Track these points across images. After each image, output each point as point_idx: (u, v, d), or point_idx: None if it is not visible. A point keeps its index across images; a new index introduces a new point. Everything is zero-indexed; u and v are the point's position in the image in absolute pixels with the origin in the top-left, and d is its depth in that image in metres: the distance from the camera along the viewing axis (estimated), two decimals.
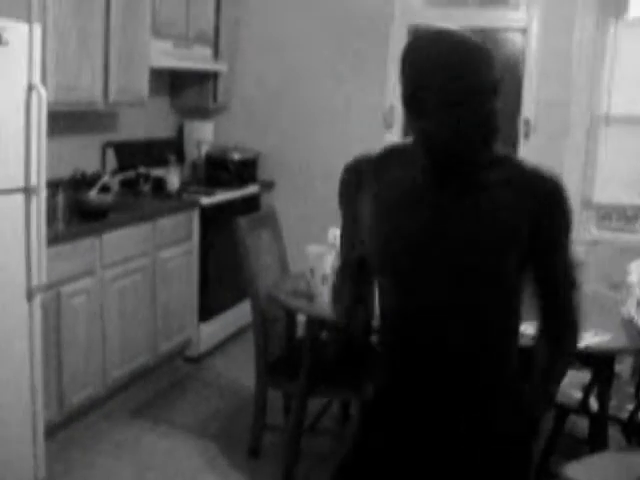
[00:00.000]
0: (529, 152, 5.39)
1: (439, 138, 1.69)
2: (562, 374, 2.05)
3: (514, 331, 1.93)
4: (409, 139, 1.83)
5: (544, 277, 1.88)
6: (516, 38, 5.56)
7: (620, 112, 5.38)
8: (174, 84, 5.80)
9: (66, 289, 3.87)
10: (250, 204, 5.55)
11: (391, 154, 1.89)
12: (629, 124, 5.40)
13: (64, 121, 4.49)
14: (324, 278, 3.37)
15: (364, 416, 2.07)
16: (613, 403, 3.51)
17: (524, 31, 5.47)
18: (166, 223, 4.70)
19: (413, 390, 1.91)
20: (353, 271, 2.04)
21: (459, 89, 1.63)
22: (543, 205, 1.76)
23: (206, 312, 5.17)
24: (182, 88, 5.80)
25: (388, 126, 5.66)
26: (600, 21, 5.31)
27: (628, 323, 3.39)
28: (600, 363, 3.35)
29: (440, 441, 1.91)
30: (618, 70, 5.36)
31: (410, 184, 1.81)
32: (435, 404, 1.89)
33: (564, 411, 3.64)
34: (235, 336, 5.52)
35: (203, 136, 5.85)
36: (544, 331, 1.95)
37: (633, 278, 3.52)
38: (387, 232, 1.83)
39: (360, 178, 1.90)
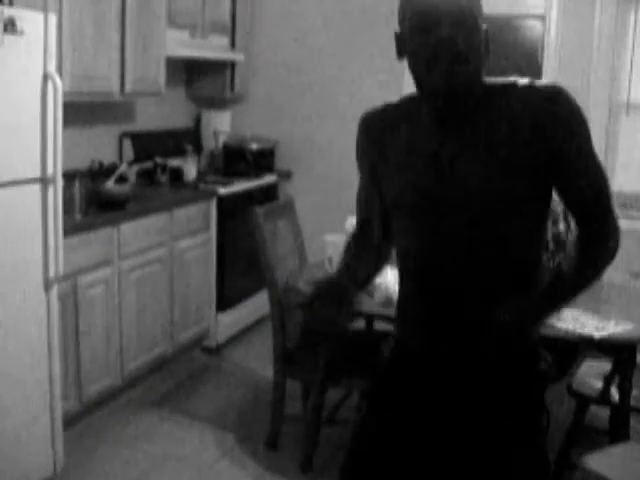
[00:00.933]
0: None
1: (418, 72, 1.77)
2: (588, 280, 1.92)
3: (537, 261, 1.92)
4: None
5: (572, 187, 1.83)
6: (536, 25, 5.50)
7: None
8: (191, 74, 5.79)
9: (83, 279, 3.87)
10: (268, 194, 5.54)
11: (400, 105, 1.95)
12: None
13: (81, 111, 4.48)
14: None
15: (381, 376, 2.09)
16: (634, 393, 3.47)
17: (543, 18, 5.41)
18: (183, 213, 4.69)
19: (432, 337, 1.94)
20: (370, 227, 2.09)
21: (423, 18, 1.71)
22: (543, 115, 1.74)
23: (224, 302, 5.16)
24: (199, 78, 5.79)
25: None
26: (620, 7, 5.25)
27: None
28: (621, 353, 3.31)
29: (454, 401, 1.94)
30: (638, 57, 5.30)
31: (417, 130, 1.86)
32: (454, 352, 1.92)
33: (585, 401, 3.61)
34: (253, 326, 5.51)
35: (220, 126, 5.84)
36: (581, 237, 1.90)
37: None
38: (403, 179, 1.88)
39: (373, 131, 1.97)
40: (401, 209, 1.91)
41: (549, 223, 4.32)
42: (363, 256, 2.12)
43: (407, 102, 1.93)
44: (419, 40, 1.72)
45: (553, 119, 1.74)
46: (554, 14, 5.35)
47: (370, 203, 2.07)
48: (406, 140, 1.88)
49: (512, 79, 1.82)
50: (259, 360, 4.87)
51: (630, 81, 5.33)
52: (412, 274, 1.96)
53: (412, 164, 1.86)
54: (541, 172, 1.78)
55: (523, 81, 1.80)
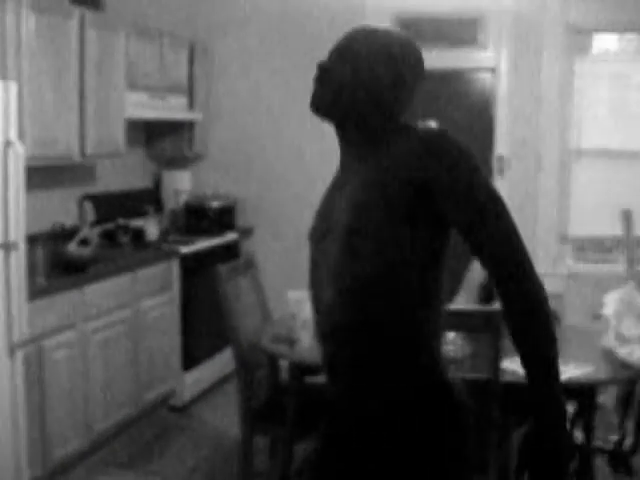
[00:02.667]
0: (504, 189, 5.46)
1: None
2: (544, 342, 1.72)
3: (425, 303, 1.79)
4: None
5: (464, 227, 1.73)
6: (487, 77, 5.65)
7: (591, 145, 5.48)
8: (150, 134, 5.84)
9: (48, 343, 3.86)
10: (230, 251, 5.57)
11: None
12: (600, 157, 5.50)
13: (41, 175, 4.50)
14: (305, 323, 3.38)
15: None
16: (598, 434, 3.52)
17: (493, 70, 5.57)
18: (146, 273, 4.71)
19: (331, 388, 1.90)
20: None
21: None
22: (425, 159, 1.70)
23: (189, 361, 5.15)
24: (158, 138, 5.84)
25: None
26: (566, 58, 5.42)
27: (608, 354, 3.42)
28: (582, 395, 3.37)
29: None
30: (586, 104, 5.47)
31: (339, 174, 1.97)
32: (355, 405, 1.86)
33: None
34: (219, 384, 5.50)
35: (181, 185, 5.88)
36: (502, 301, 1.74)
37: (609, 310, 3.55)
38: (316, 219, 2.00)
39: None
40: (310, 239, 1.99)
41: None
42: None
43: None
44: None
45: (437, 167, 1.70)
46: (504, 66, 5.52)
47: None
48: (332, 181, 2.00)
49: (407, 124, 1.83)
50: (226, 418, 4.85)
51: (579, 128, 5.49)
52: (315, 319, 1.96)
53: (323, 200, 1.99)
54: (426, 222, 1.74)
55: (415, 126, 1.79)
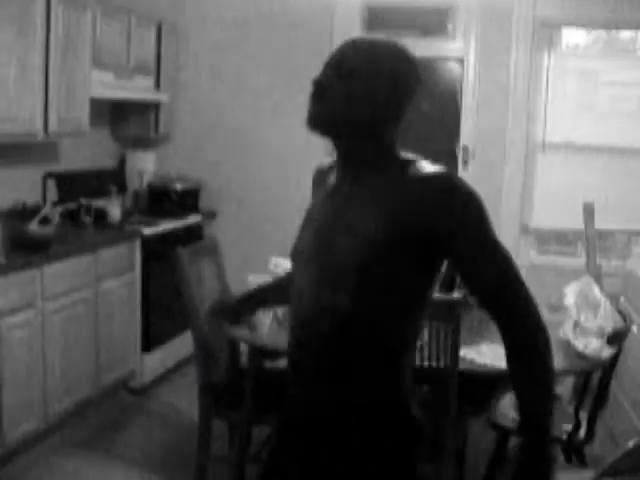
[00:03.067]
0: (468, 179, 5.49)
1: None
2: (542, 396, 1.75)
3: (402, 341, 1.82)
4: None
5: (474, 284, 1.77)
6: (455, 67, 5.67)
7: (556, 139, 5.53)
8: (115, 114, 5.79)
9: (6, 322, 3.83)
10: (192, 234, 5.55)
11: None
12: (565, 150, 5.55)
13: (3, 152, 4.45)
14: None
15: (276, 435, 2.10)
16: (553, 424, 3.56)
17: (462, 61, 5.59)
18: (107, 254, 4.68)
19: (304, 396, 1.90)
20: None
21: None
22: (433, 205, 1.70)
23: (149, 343, 5.14)
24: (123, 118, 5.79)
25: (330, 154, 5.70)
26: (534, 50, 5.46)
27: (565, 345, 3.46)
28: None
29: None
30: (553, 97, 5.51)
31: (329, 186, 1.91)
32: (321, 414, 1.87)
33: (505, 433, 3.70)
34: (179, 366, 5.49)
35: (145, 166, 5.85)
36: (505, 348, 1.77)
37: (569, 300, 3.60)
38: (303, 229, 1.93)
39: (314, 184, 2.04)
40: (292, 257, 1.95)
41: None
42: (282, 285, 2.22)
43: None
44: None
45: (440, 209, 1.70)
46: (472, 57, 5.54)
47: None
48: (321, 195, 1.94)
49: (411, 157, 1.82)
50: (185, 400, 4.84)
51: (545, 121, 5.53)
52: (290, 324, 1.96)
53: (311, 216, 1.93)
54: (419, 252, 1.74)
55: (421, 164, 1.78)
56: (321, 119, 1.80)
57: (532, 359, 1.74)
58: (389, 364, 1.82)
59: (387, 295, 1.75)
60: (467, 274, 1.77)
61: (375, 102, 1.77)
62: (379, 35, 1.84)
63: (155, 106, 5.75)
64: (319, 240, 1.83)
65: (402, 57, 1.79)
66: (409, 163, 1.79)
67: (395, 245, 1.72)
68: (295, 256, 1.93)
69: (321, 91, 1.78)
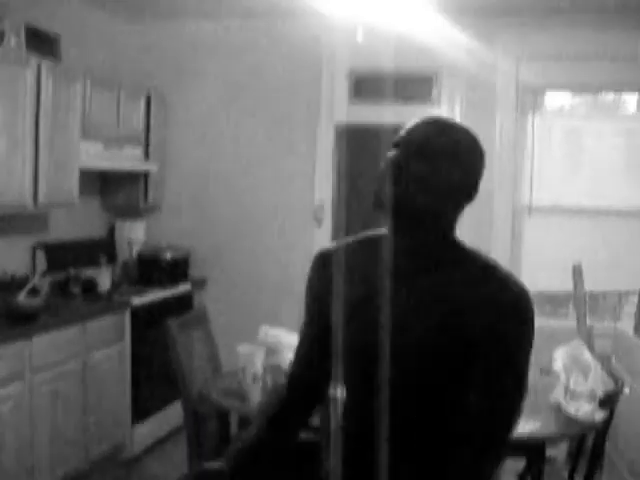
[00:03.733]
0: None
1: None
2: None
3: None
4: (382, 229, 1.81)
5: (479, 395, 1.73)
6: None
7: (543, 202, 5.57)
8: (105, 184, 5.83)
9: None
10: (183, 302, 5.54)
11: (362, 243, 1.87)
12: (552, 213, 5.59)
13: None
14: (255, 377, 3.37)
15: None
16: None
17: None
18: (97, 325, 4.66)
19: None
20: (299, 385, 1.97)
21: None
22: (499, 316, 1.67)
23: (140, 413, 5.09)
24: (113, 188, 5.83)
25: (318, 222, 5.75)
26: (519, 116, 5.54)
27: (556, 409, 3.45)
28: (531, 450, 3.38)
29: None
30: (538, 161, 5.57)
31: (372, 272, 1.78)
32: None
33: None
34: (170, 436, 5.43)
35: (135, 235, 5.86)
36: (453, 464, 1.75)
37: (558, 365, 3.59)
38: (352, 325, 1.79)
39: (328, 270, 1.86)
40: (346, 357, 1.82)
41: None
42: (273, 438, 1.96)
43: (368, 241, 1.87)
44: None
45: (504, 329, 1.68)
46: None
47: (309, 353, 1.96)
48: (361, 282, 1.81)
49: (490, 261, 1.77)
50: (176, 471, 4.78)
51: (531, 184, 5.58)
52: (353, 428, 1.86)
53: (361, 310, 1.78)
54: (462, 358, 1.71)
55: (500, 271, 1.74)
56: (397, 199, 1.70)
57: None
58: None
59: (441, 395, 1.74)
60: (480, 390, 1.72)
61: (452, 189, 1.71)
62: (453, 119, 1.82)
63: (144, 175, 5.79)
64: (383, 329, 1.73)
65: (478, 147, 1.76)
66: (484, 263, 1.75)
67: (453, 348, 1.69)
68: (347, 345, 1.81)
69: (398, 170, 1.70)
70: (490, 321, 1.67)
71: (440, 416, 1.76)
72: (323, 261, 1.89)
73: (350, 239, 1.89)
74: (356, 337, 1.79)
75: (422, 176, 1.68)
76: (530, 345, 1.71)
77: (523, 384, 1.75)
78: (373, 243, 1.81)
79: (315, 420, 2.71)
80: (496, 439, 1.74)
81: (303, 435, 2.08)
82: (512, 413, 1.75)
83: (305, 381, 1.97)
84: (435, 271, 1.73)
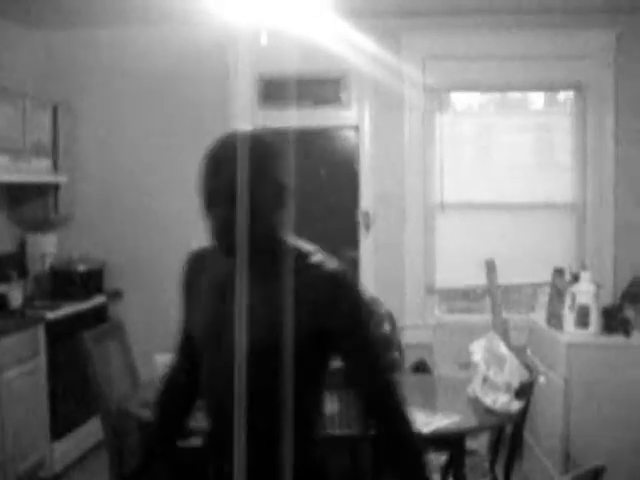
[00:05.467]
0: (371, 243, 5.59)
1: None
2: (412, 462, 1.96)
3: (311, 412, 2.01)
4: None
5: (351, 371, 1.96)
6: (350, 135, 5.79)
7: (454, 199, 5.66)
8: (13, 197, 5.69)
9: None
10: (98, 315, 5.46)
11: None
12: (463, 209, 5.68)
13: None
14: None
15: None
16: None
17: (357, 128, 5.71)
18: (9, 342, 4.54)
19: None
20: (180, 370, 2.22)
21: (202, 193, 1.92)
22: (322, 295, 1.87)
23: (59, 430, 4.99)
24: (22, 201, 5.69)
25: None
26: (426, 115, 5.62)
27: (474, 402, 3.51)
28: (452, 444, 3.44)
29: None
30: (448, 159, 5.67)
31: (223, 275, 1.97)
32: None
33: None
34: (92, 452, 5.33)
35: (46, 249, 5.74)
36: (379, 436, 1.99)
37: (476, 357, 3.66)
38: (203, 318, 2.00)
39: (191, 271, 2.11)
40: (200, 345, 2.03)
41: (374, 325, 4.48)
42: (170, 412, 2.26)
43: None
44: (206, 213, 1.92)
45: (334, 300, 1.87)
46: (366, 124, 5.66)
47: (184, 344, 2.19)
48: (213, 282, 2.01)
49: (307, 249, 1.96)
50: None
51: (442, 182, 5.67)
52: (207, 407, 2.07)
53: (213, 305, 1.98)
54: (313, 342, 1.90)
55: (316, 257, 1.93)
56: (224, 219, 1.88)
57: (405, 447, 1.95)
58: (303, 431, 1.96)
59: (292, 373, 1.87)
60: (351, 370, 1.96)
61: (261, 195, 1.86)
62: (246, 131, 1.98)
63: (54, 187, 5.68)
64: (226, 328, 1.91)
65: (269, 149, 1.94)
66: (306, 255, 1.93)
67: (297, 334, 1.85)
68: (201, 342, 2.02)
69: (215, 194, 1.88)
70: (319, 298, 1.86)
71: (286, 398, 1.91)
72: (189, 262, 2.14)
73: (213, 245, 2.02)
74: (208, 339, 1.99)
75: (231, 192, 1.83)
76: (362, 303, 1.96)
77: (371, 333, 1.97)
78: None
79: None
80: (378, 366, 1.95)
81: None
82: (376, 350, 1.97)
83: (182, 370, 2.22)
84: (270, 271, 1.92)
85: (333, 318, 1.88)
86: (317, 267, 1.90)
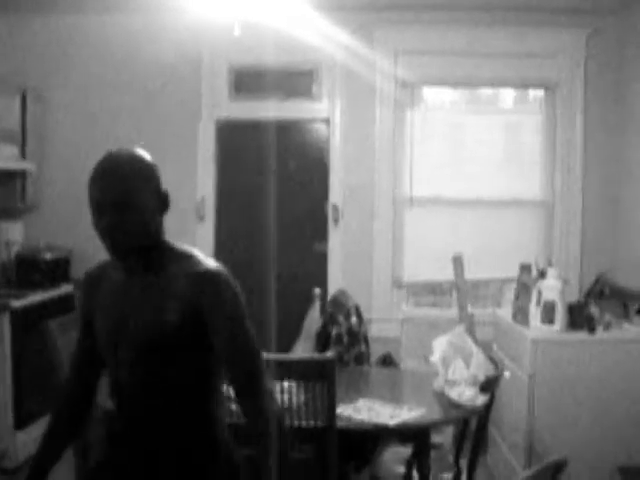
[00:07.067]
0: (339, 236, 5.59)
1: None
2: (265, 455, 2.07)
3: (206, 391, 2.16)
4: None
5: (219, 345, 2.09)
6: (321, 127, 5.79)
7: (423, 193, 5.69)
8: None
9: None
10: (64, 304, 5.41)
11: (113, 262, 2.21)
12: (432, 204, 5.71)
13: None
14: None
15: None
16: (435, 473, 3.62)
17: (327, 121, 5.72)
18: None
19: (127, 459, 2.21)
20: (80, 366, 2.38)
21: (92, 203, 2.08)
22: (195, 291, 2.05)
23: (23, 419, 4.94)
24: None
25: (200, 218, 5.72)
26: (397, 109, 5.64)
27: (440, 395, 3.54)
28: (417, 437, 3.46)
29: None
30: (417, 154, 5.69)
31: (116, 282, 2.19)
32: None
33: None
34: None
35: (12, 237, 5.68)
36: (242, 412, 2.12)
37: (435, 357, 3.67)
38: (103, 323, 2.19)
39: (89, 287, 2.30)
40: (102, 350, 2.22)
41: (342, 318, 4.49)
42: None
43: (114, 262, 2.21)
44: (96, 222, 2.09)
45: (204, 293, 2.06)
46: (337, 117, 5.67)
47: (81, 357, 2.37)
48: (108, 291, 2.21)
49: (189, 251, 2.16)
50: (63, 477, 4.67)
51: (411, 177, 5.69)
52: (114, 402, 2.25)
53: (108, 309, 2.19)
54: (190, 330, 2.07)
55: (197, 257, 2.13)
56: (134, 244, 2.10)
57: (257, 444, 2.06)
58: (194, 416, 2.15)
59: (176, 365, 2.10)
60: (219, 346, 2.09)
61: (139, 206, 2.07)
62: (124, 151, 2.20)
63: (22, 175, 5.62)
64: (118, 330, 2.14)
65: (143, 165, 2.17)
66: (184, 258, 2.13)
67: (178, 327, 2.06)
68: (102, 345, 2.21)
69: (125, 232, 2.07)
70: (195, 291, 2.05)
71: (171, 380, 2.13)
72: (86, 279, 2.34)
73: (107, 261, 2.26)
74: (107, 336, 2.19)
75: (119, 201, 2.04)
76: (233, 295, 2.09)
77: (242, 320, 2.10)
78: (117, 263, 2.19)
79: None
80: (246, 357, 2.10)
81: None
82: (246, 334, 2.10)
83: (79, 381, 2.40)
84: (154, 271, 2.13)
85: (203, 307, 2.05)
86: (194, 264, 2.10)
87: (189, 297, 2.05)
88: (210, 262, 2.13)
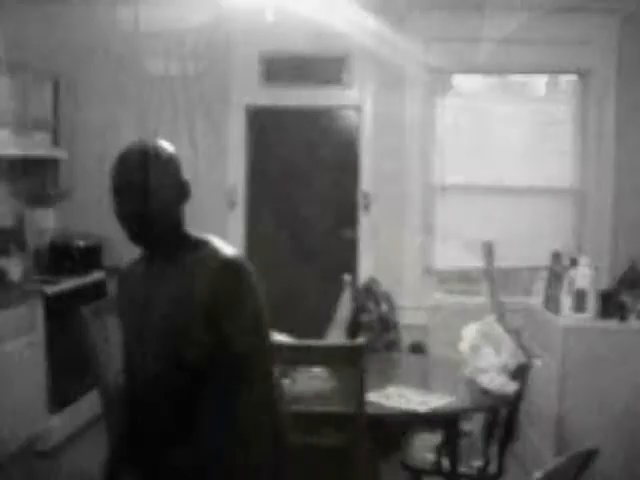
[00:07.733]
0: (370, 224, 5.59)
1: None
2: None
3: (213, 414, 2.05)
4: None
5: (229, 345, 2.01)
6: (352, 115, 5.78)
7: (454, 181, 5.67)
8: (13, 171, 5.67)
9: None
10: (96, 290, 5.46)
11: (141, 260, 2.21)
12: (463, 191, 5.70)
13: None
14: None
15: None
16: (464, 461, 3.62)
17: (359, 108, 5.71)
18: (8, 315, 4.55)
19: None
20: None
21: (111, 190, 2.12)
22: (217, 281, 1.99)
23: (58, 403, 5.01)
24: (22, 175, 5.69)
25: (231, 205, 5.74)
26: (429, 96, 5.62)
27: (470, 383, 3.53)
28: (447, 424, 3.46)
29: None
30: (449, 141, 5.67)
31: (139, 274, 2.19)
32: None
33: (418, 474, 3.73)
34: (91, 425, 5.35)
35: (46, 223, 5.75)
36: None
37: (464, 345, 3.67)
38: (127, 315, 2.20)
39: (124, 284, 2.27)
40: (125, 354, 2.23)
41: (372, 305, 4.50)
42: None
43: (142, 257, 2.22)
44: (117, 209, 2.12)
45: (222, 287, 1.99)
46: (368, 104, 5.66)
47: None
48: (134, 287, 2.20)
49: (205, 239, 2.11)
50: (96, 462, 4.72)
51: (443, 164, 5.67)
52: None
53: (130, 306, 2.18)
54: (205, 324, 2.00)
55: (213, 244, 2.08)
56: (157, 234, 2.09)
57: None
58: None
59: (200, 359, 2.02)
60: (229, 342, 2.01)
61: (163, 198, 2.06)
62: (150, 143, 2.19)
63: (54, 162, 5.67)
64: (143, 322, 2.11)
65: (169, 157, 2.14)
66: (202, 244, 2.09)
67: (199, 321, 1.99)
68: (128, 341, 2.21)
69: (147, 220, 2.06)
70: (213, 283, 1.99)
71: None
72: (120, 277, 2.32)
73: (138, 257, 2.24)
74: (135, 336, 2.16)
75: (141, 191, 2.05)
76: (249, 290, 2.02)
77: (260, 317, 2.04)
78: (145, 258, 2.19)
79: None
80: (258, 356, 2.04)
81: None
82: (259, 333, 2.04)
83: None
84: (173, 262, 2.09)
85: (220, 301, 1.98)
86: (211, 254, 2.04)
87: (205, 298, 1.99)
88: (227, 251, 2.06)
